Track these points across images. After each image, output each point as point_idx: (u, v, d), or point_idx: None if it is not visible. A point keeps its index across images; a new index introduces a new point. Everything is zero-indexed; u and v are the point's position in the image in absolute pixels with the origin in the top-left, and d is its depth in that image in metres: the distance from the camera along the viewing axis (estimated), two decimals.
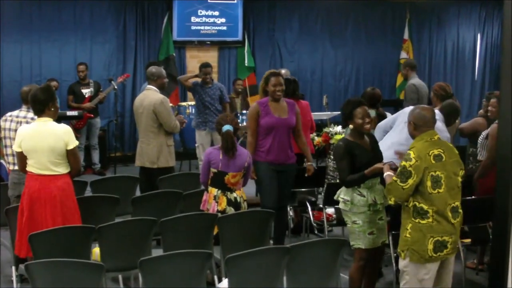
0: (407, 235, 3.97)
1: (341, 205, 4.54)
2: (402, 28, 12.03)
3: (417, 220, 3.93)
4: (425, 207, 3.90)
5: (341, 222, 5.83)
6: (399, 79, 11.78)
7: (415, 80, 7.89)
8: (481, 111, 6.53)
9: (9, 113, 5.46)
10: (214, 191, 5.05)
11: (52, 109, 4.71)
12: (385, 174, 4.12)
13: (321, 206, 5.96)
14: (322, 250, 4.16)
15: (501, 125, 4.36)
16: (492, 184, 5.11)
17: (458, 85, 12.26)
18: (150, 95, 6.21)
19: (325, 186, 5.99)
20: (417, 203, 3.92)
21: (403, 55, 11.94)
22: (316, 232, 6.38)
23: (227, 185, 5.03)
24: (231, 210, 4.97)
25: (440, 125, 5.07)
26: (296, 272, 4.02)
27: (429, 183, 3.89)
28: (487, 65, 12.77)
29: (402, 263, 4.05)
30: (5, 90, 9.39)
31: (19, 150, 4.69)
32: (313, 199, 6.31)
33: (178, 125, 6.27)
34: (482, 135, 5.59)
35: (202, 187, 5.33)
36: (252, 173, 5.39)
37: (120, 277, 4.85)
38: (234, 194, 5.06)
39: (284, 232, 5.89)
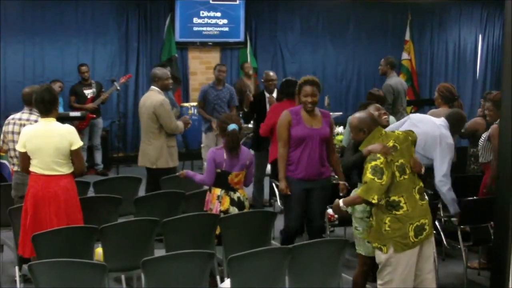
0: (387, 228, 4.00)
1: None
2: (404, 29, 12.03)
3: (393, 212, 4.00)
4: (397, 198, 3.98)
5: (343, 222, 5.86)
6: None
7: (391, 79, 7.96)
8: (480, 110, 6.53)
9: (11, 116, 5.48)
10: (217, 191, 5.06)
11: (57, 108, 4.78)
12: (341, 203, 4.13)
13: None
14: (324, 250, 4.18)
15: (502, 125, 4.37)
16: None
17: (459, 86, 12.23)
18: (151, 96, 6.24)
19: None
20: (388, 198, 3.99)
21: (405, 56, 11.94)
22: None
23: (230, 184, 5.04)
24: (234, 210, 4.99)
25: (444, 131, 5.09)
26: (298, 272, 4.03)
27: (397, 173, 3.99)
28: (489, 66, 12.78)
29: (383, 256, 4.05)
30: (8, 91, 9.43)
31: (23, 150, 4.71)
32: None
33: (180, 126, 6.28)
34: (482, 137, 5.57)
35: (205, 188, 5.35)
36: (286, 188, 5.08)
37: (122, 277, 4.88)
38: (237, 194, 5.07)
39: None
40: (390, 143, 4.04)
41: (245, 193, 5.21)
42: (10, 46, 9.41)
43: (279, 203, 6.44)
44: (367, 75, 11.99)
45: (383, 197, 3.96)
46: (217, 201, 5.02)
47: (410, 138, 4.20)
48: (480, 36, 12.74)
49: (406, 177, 4.03)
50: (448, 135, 5.11)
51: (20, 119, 5.38)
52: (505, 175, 4.28)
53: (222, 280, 4.56)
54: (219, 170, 5.02)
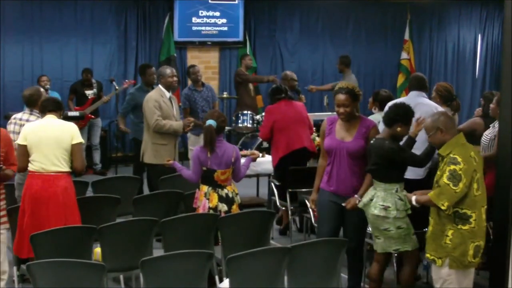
0: (447, 241, 3.87)
1: (380, 213, 4.31)
2: (403, 28, 12.03)
3: (459, 226, 3.85)
4: (469, 212, 3.84)
5: None
6: (400, 79, 11.81)
7: (348, 78, 8.47)
8: (478, 109, 6.53)
9: (13, 116, 5.54)
10: (205, 188, 5.04)
11: (61, 113, 4.96)
12: (413, 200, 4.04)
13: None
14: (323, 250, 4.18)
15: (501, 125, 4.36)
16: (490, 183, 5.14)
17: (459, 85, 12.26)
18: (150, 93, 6.45)
19: None
20: (459, 209, 3.85)
21: (404, 55, 11.95)
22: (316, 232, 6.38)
23: (217, 182, 5.02)
24: (223, 207, 4.98)
25: (435, 104, 5.31)
26: (297, 272, 4.03)
27: (475, 185, 3.85)
28: (488, 66, 12.78)
29: (441, 271, 3.92)
30: (7, 90, 9.42)
31: (24, 143, 4.70)
32: None
33: (174, 127, 6.22)
34: (487, 137, 5.53)
35: None
36: (312, 202, 4.87)
37: (121, 277, 4.87)
38: (225, 190, 5.04)
39: (360, 278, 4.85)
40: (472, 153, 3.91)
41: (235, 188, 5.17)
42: (9, 46, 9.39)
43: (277, 203, 6.43)
44: (366, 74, 11.98)
45: (452, 207, 3.82)
46: (205, 198, 5.01)
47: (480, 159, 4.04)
48: (479, 35, 12.73)
49: (480, 193, 3.88)
50: (431, 103, 5.42)
51: (20, 119, 5.41)
52: (504, 175, 4.27)
53: (221, 280, 4.55)
54: (205, 168, 5.02)
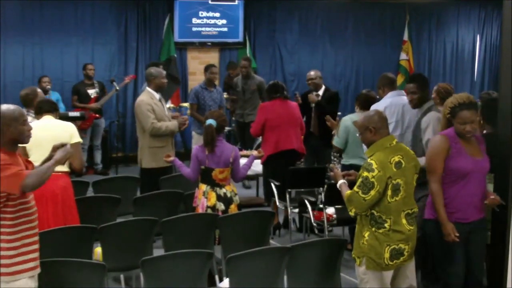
0: (364, 242, 3.80)
1: None
2: (402, 29, 12.06)
3: (373, 229, 3.77)
4: (383, 217, 3.75)
5: (341, 222, 5.87)
6: (399, 80, 11.82)
7: (255, 79, 8.68)
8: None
9: None
10: (203, 187, 5.07)
11: (57, 113, 4.94)
12: (339, 183, 3.99)
13: (321, 206, 5.98)
14: (323, 250, 4.19)
15: (501, 125, 4.38)
16: None
17: (457, 86, 12.27)
18: (140, 97, 6.25)
19: (326, 186, 6.01)
20: (375, 212, 3.77)
21: (403, 56, 11.98)
22: (316, 232, 6.41)
23: (215, 181, 5.05)
24: (221, 206, 5.00)
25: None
26: (296, 272, 4.05)
27: (389, 192, 3.72)
28: (486, 66, 12.82)
29: (359, 269, 3.89)
30: (7, 90, 9.41)
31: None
32: (313, 199, 6.32)
33: (170, 127, 6.11)
34: None
35: None
36: (453, 230, 3.94)
37: (121, 276, 4.88)
38: (224, 190, 5.07)
39: None
40: (396, 158, 3.74)
41: (235, 188, 5.20)
42: (9, 47, 9.41)
43: (277, 203, 6.45)
44: (365, 75, 12.01)
45: (364, 211, 3.77)
46: (203, 197, 5.04)
47: (414, 162, 3.91)
48: (478, 36, 12.77)
49: (397, 198, 3.75)
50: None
51: None
52: (503, 176, 4.30)
53: (220, 280, 4.57)
54: (203, 167, 5.05)
